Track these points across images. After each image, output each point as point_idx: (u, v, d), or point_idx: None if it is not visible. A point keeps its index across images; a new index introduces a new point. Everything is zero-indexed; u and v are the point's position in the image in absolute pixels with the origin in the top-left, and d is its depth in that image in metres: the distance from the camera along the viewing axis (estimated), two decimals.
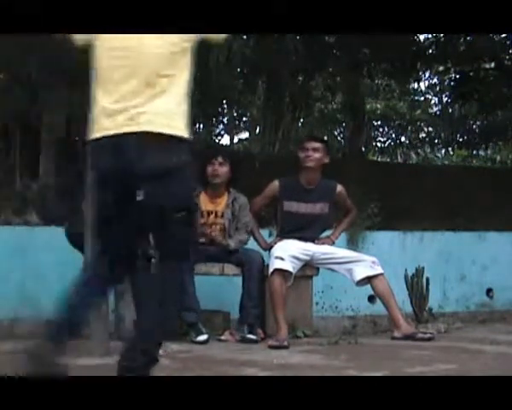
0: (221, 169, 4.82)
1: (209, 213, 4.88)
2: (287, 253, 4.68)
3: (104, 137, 2.67)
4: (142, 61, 2.82)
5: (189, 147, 2.71)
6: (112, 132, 2.66)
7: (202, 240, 4.84)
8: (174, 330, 4.05)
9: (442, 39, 8.89)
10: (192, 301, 4.53)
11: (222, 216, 4.89)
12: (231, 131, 14.43)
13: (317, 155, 4.89)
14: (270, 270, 4.62)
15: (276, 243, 4.87)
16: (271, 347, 4.30)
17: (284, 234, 4.91)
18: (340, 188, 5.05)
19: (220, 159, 4.83)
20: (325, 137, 9.70)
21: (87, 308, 2.96)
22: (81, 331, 2.95)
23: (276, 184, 4.98)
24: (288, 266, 4.63)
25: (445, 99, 14.41)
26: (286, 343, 4.35)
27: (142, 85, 2.75)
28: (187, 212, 2.70)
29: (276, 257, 4.64)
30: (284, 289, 4.61)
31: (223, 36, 3.09)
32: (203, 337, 4.43)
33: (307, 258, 4.83)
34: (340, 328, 5.07)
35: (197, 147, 6.86)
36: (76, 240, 4.16)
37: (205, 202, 4.88)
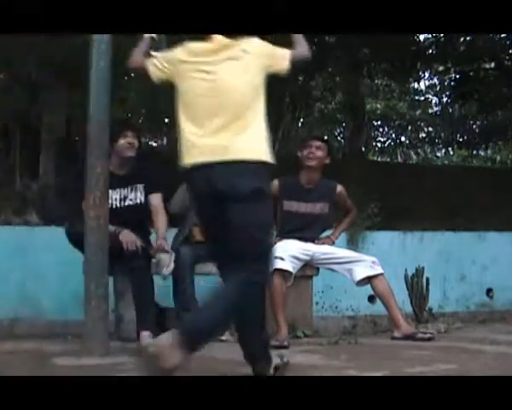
0: None
1: None
2: (287, 253, 4.68)
3: (202, 164, 2.99)
4: (232, 96, 3.11)
5: (271, 169, 3.09)
6: (208, 160, 2.98)
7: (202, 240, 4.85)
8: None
9: (442, 39, 8.90)
10: (190, 302, 4.53)
11: None
12: None
13: (319, 153, 4.89)
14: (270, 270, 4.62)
15: (275, 243, 4.87)
16: (271, 347, 4.30)
17: (284, 234, 4.90)
18: (340, 188, 5.05)
19: None
20: (325, 137, 9.70)
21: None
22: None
23: (275, 183, 4.98)
24: (288, 266, 4.63)
25: (445, 99, 14.40)
26: (286, 343, 4.35)
27: (233, 118, 3.08)
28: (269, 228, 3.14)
29: (276, 257, 4.64)
30: (284, 289, 4.61)
31: (286, 66, 3.35)
32: None
33: (307, 258, 4.83)
34: (340, 328, 5.06)
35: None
36: (76, 239, 4.16)
37: None
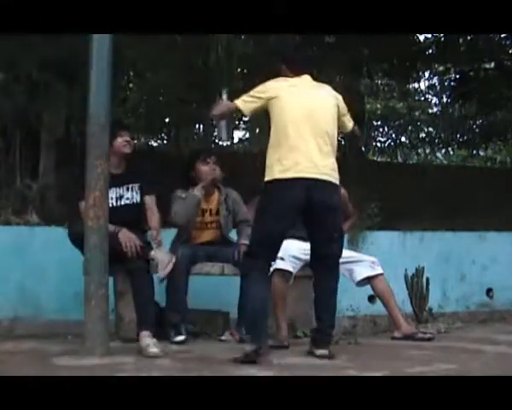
0: (214, 168, 4.85)
1: (203, 211, 4.88)
2: (287, 253, 4.67)
3: (296, 178, 3.77)
4: (323, 124, 3.87)
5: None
6: (305, 176, 3.77)
7: (203, 240, 4.86)
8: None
9: (442, 39, 8.89)
10: (179, 302, 4.53)
11: (217, 213, 4.90)
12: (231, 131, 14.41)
13: None
14: (271, 270, 4.62)
15: None
16: (271, 347, 4.30)
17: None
18: (341, 191, 5.03)
19: (214, 158, 4.88)
20: None
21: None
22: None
23: None
24: (288, 266, 4.63)
25: (445, 99, 14.38)
26: (286, 343, 4.35)
27: (321, 143, 3.85)
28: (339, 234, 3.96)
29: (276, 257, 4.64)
30: (284, 289, 4.60)
31: (350, 126, 4.12)
32: (180, 338, 4.42)
33: (307, 258, 4.82)
34: (340, 328, 5.06)
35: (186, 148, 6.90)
36: (77, 239, 4.17)
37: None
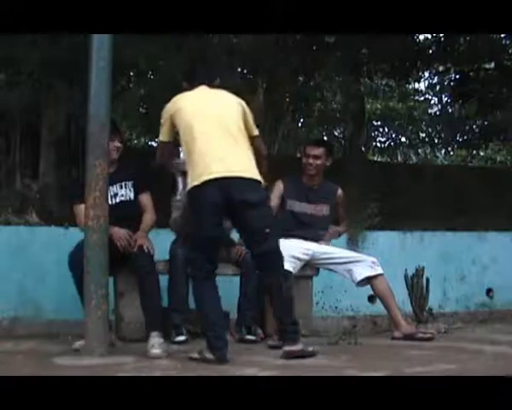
0: None
1: None
2: (287, 252, 4.66)
3: (209, 180, 3.71)
4: (230, 124, 3.89)
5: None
6: (217, 176, 3.72)
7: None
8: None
9: (442, 39, 8.89)
10: (180, 303, 4.53)
11: None
12: None
13: (318, 161, 4.90)
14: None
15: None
16: (271, 347, 4.30)
17: (285, 233, 4.89)
18: (340, 192, 5.05)
19: None
20: (325, 138, 9.68)
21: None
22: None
23: (279, 183, 4.99)
24: (288, 265, 4.62)
25: (445, 99, 14.37)
26: None
27: (232, 141, 3.86)
28: (270, 229, 3.84)
29: None
30: None
31: (254, 134, 4.03)
32: (181, 338, 4.43)
33: (307, 258, 4.83)
34: (340, 328, 5.06)
35: None
36: (72, 262, 4.23)
37: None
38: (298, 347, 3.80)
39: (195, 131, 3.81)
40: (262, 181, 3.88)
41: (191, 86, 4.02)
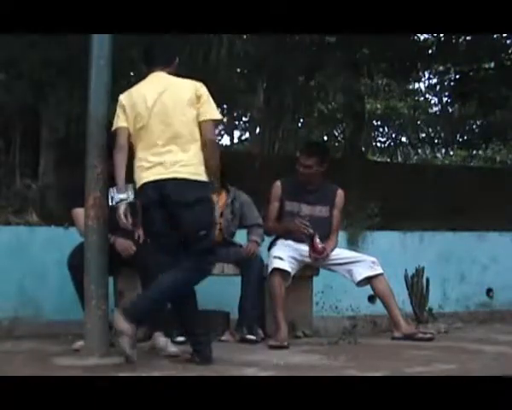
0: None
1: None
2: (285, 253, 4.68)
3: (149, 182, 3.63)
4: (172, 119, 3.67)
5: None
6: (156, 178, 3.62)
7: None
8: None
9: (442, 39, 8.90)
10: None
11: (221, 216, 4.88)
12: (231, 131, 14.45)
13: (311, 170, 4.85)
14: (269, 269, 4.62)
15: (276, 243, 4.87)
16: (271, 347, 4.30)
17: (285, 236, 4.89)
18: (340, 192, 5.02)
19: None
20: (319, 143, 9.63)
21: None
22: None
23: (278, 184, 4.98)
24: (287, 266, 4.62)
25: (445, 99, 14.39)
26: (286, 343, 4.35)
27: (171, 139, 3.65)
28: (207, 231, 3.67)
29: (275, 257, 4.64)
30: (283, 289, 4.60)
31: (207, 118, 3.69)
32: (182, 338, 4.43)
33: (303, 259, 4.80)
34: (340, 328, 5.06)
35: None
36: (72, 267, 4.23)
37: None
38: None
39: (139, 128, 3.67)
40: (203, 178, 3.64)
41: (149, 71, 3.82)
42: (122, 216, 3.68)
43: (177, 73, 3.83)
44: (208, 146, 3.67)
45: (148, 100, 3.67)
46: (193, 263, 3.68)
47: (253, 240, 4.82)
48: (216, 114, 3.74)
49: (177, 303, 3.81)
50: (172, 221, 3.67)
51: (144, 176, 3.65)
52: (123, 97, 3.76)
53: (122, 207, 3.69)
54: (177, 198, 3.60)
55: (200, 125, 3.66)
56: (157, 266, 3.73)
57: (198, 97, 3.67)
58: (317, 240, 4.73)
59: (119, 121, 3.74)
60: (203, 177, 3.65)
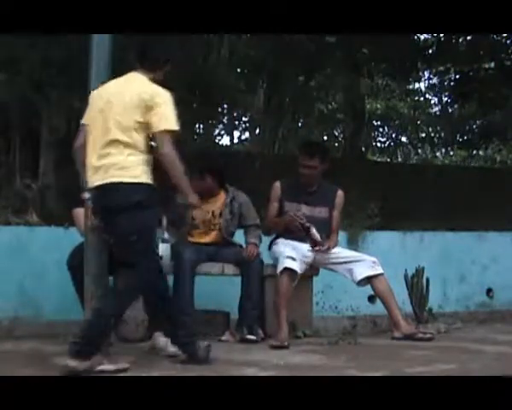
0: (200, 185, 4.65)
1: (205, 213, 4.87)
2: (297, 254, 4.66)
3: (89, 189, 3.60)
4: (110, 122, 3.53)
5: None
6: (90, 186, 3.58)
7: (205, 241, 4.85)
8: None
9: (442, 39, 8.90)
10: (186, 306, 4.52)
11: (220, 216, 4.88)
12: (231, 131, 14.45)
13: (312, 171, 4.86)
14: (280, 268, 4.59)
15: (276, 244, 4.86)
16: (273, 347, 4.29)
17: (286, 235, 4.89)
18: (340, 192, 5.02)
19: (196, 176, 4.68)
20: (319, 143, 9.63)
21: None
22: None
23: (277, 185, 4.97)
24: (297, 266, 4.62)
25: (445, 99, 14.40)
26: (286, 344, 4.34)
27: (102, 143, 3.54)
28: (139, 235, 3.50)
29: (288, 257, 4.61)
30: (290, 289, 4.60)
31: (160, 128, 3.51)
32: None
33: (309, 260, 4.81)
34: (340, 328, 5.06)
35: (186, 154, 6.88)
36: (72, 268, 4.24)
37: (200, 202, 4.87)
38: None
39: (88, 129, 3.63)
40: (139, 180, 3.50)
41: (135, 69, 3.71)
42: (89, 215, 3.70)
43: (163, 80, 3.69)
44: (163, 160, 3.50)
45: (102, 100, 3.60)
46: (132, 273, 3.54)
47: (252, 242, 4.82)
48: (170, 125, 3.50)
49: (152, 309, 3.83)
50: (108, 227, 3.60)
51: (89, 180, 3.59)
52: (92, 93, 3.71)
53: (88, 207, 3.69)
54: (111, 203, 3.50)
55: (156, 135, 3.50)
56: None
57: (151, 106, 3.48)
58: (314, 230, 4.72)
59: (83, 118, 3.71)
60: (140, 179, 3.50)
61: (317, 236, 4.73)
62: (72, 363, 3.34)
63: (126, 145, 3.49)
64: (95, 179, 3.54)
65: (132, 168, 3.49)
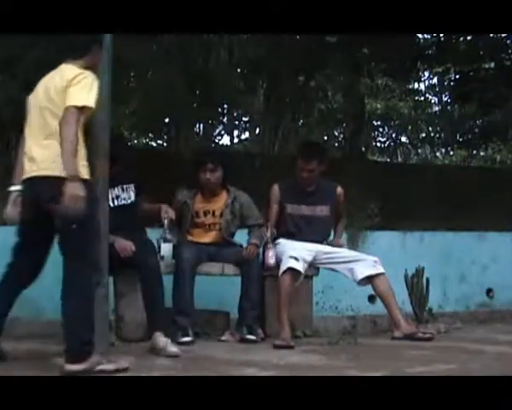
0: (213, 175, 4.80)
1: (206, 212, 4.88)
2: (300, 254, 4.66)
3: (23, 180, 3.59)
4: (36, 113, 3.56)
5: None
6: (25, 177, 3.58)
7: (205, 240, 4.85)
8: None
9: (442, 39, 8.89)
10: (186, 306, 4.53)
11: (220, 216, 4.88)
12: (231, 131, 14.45)
13: (310, 174, 4.86)
14: (283, 268, 4.59)
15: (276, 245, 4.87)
16: (277, 347, 4.29)
17: (287, 236, 4.89)
18: (340, 190, 5.03)
19: (210, 165, 4.80)
20: (325, 138, 9.66)
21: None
22: None
23: (276, 188, 4.97)
24: (301, 266, 4.62)
25: (444, 99, 14.38)
26: (292, 343, 4.34)
27: (35, 136, 3.56)
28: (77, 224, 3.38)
29: (291, 256, 4.61)
30: (293, 289, 4.60)
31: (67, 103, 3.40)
32: (187, 339, 4.43)
33: (311, 259, 4.81)
34: (340, 328, 5.06)
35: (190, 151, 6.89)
36: None
37: (200, 202, 4.89)
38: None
39: (25, 121, 3.63)
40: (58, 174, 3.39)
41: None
42: (8, 205, 3.67)
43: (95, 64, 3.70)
44: (60, 130, 3.35)
45: (35, 95, 3.62)
46: (68, 268, 3.52)
47: (253, 243, 4.82)
48: (79, 101, 3.37)
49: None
50: (41, 219, 3.53)
51: (24, 172, 3.59)
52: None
53: (11, 197, 3.67)
54: (41, 195, 3.48)
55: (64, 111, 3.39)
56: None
57: (67, 86, 3.41)
58: (270, 253, 4.73)
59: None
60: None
61: (270, 261, 4.73)
62: (70, 367, 3.33)
63: (52, 135, 3.43)
64: (25, 172, 3.55)
65: (52, 162, 3.42)
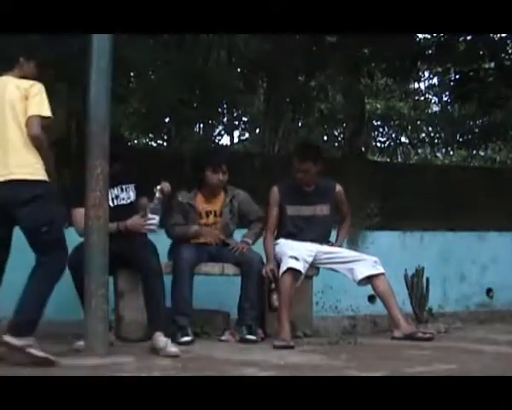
0: (225, 176, 4.83)
1: (208, 213, 4.88)
2: (301, 254, 4.66)
3: None
4: (4, 119, 3.72)
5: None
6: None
7: (204, 240, 4.85)
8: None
9: (442, 39, 8.89)
10: (185, 305, 4.53)
11: (220, 215, 4.89)
12: (231, 131, 14.46)
13: (307, 174, 4.86)
14: (283, 268, 4.59)
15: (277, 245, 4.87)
16: (277, 347, 4.29)
17: (288, 236, 4.89)
18: (339, 188, 5.03)
19: (224, 168, 4.82)
20: (325, 138, 9.66)
21: None
22: None
23: (275, 190, 4.96)
24: (301, 266, 4.62)
25: (445, 99, 14.39)
26: (292, 343, 4.34)
27: (5, 140, 3.69)
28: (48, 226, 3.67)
29: (291, 256, 4.61)
30: (293, 289, 4.60)
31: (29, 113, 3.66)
32: (187, 339, 4.42)
33: (311, 259, 4.81)
34: (340, 328, 5.06)
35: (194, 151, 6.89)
36: (71, 267, 4.23)
37: (201, 203, 4.89)
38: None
39: None
40: (36, 177, 3.66)
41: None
42: None
43: (33, 73, 3.88)
44: (33, 143, 3.63)
45: None
46: (44, 263, 3.79)
47: (244, 240, 4.83)
48: (41, 111, 3.65)
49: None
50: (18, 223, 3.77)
51: None
52: None
53: None
54: (12, 199, 3.64)
55: (27, 121, 3.63)
56: None
57: (25, 96, 3.65)
58: (275, 296, 4.74)
59: None
60: (36, 176, 3.65)
61: (275, 303, 4.74)
62: (10, 339, 3.55)
63: (21, 141, 3.65)
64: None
65: (28, 167, 3.65)
